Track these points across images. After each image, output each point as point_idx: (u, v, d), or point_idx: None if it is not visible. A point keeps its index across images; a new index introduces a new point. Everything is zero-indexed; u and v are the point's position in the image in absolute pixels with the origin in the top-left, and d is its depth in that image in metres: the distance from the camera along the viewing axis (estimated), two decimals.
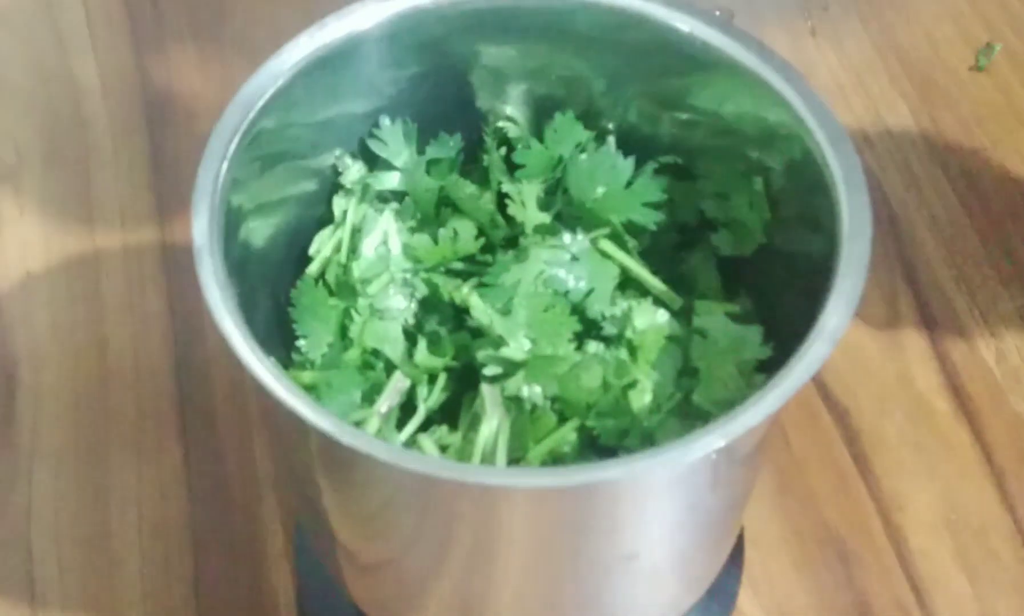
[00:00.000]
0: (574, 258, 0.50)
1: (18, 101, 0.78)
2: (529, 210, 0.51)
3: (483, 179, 0.53)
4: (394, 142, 0.52)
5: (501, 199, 0.52)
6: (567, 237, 0.51)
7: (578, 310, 0.49)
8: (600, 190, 0.51)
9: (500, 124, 0.53)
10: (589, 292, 0.50)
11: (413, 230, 0.52)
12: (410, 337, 0.50)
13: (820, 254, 0.45)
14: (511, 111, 0.53)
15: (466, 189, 0.52)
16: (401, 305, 0.50)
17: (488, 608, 0.48)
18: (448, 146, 0.53)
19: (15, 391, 0.66)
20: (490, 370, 0.47)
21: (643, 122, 0.52)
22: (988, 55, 0.80)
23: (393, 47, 0.50)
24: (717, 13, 0.49)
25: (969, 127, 0.77)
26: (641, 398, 0.47)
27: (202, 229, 0.44)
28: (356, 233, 0.52)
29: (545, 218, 0.51)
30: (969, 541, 0.62)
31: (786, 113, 0.47)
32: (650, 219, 0.52)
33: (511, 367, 0.47)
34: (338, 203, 0.52)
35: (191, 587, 0.60)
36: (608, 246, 0.51)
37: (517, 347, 0.47)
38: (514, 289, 0.49)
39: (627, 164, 0.52)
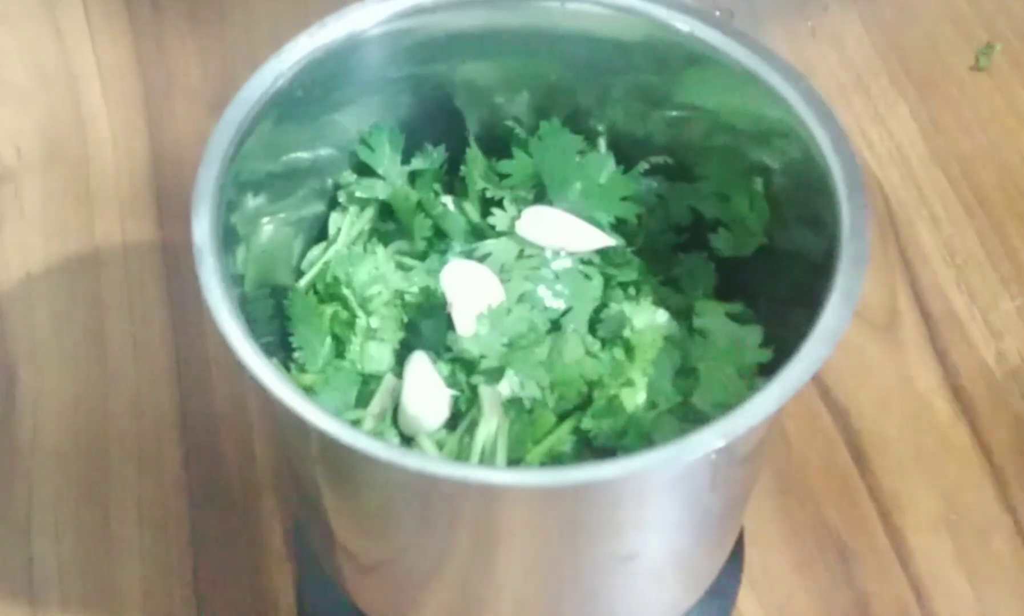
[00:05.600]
0: (556, 277, 0.50)
1: (18, 101, 0.78)
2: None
3: (464, 190, 0.53)
4: (380, 150, 0.52)
5: (487, 206, 0.52)
6: (549, 254, 0.51)
7: (554, 327, 0.50)
8: (577, 187, 0.52)
9: (508, 123, 0.53)
10: (567, 311, 0.50)
11: (404, 253, 0.52)
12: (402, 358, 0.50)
13: (820, 254, 0.45)
14: (517, 111, 0.53)
15: (437, 206, 0.52)
16: (393, 329, 0.50)
17: (488, 608, 0.48)
18: (432, 158, 0.53)
19: (15, 391, 0.66)
20: (484, 386, 0.48)
21: (640, 124, 0.52)
22: (988, 55, 0.80)
23: (392, 48, 0.50)
24: (717, 13, 0.49)
25: (969, 127, 0.77)
26: (634, 398, 0.47)
27: (202, 229, 0.44)
28: (350, 252, 0.52)
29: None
30: (969, 541, 0.62)
31: (786, 113, 0.47)
32: (631, 213, 0.52)
33: (498, 372, 0.47)
34: (334, 219, 0.52)
35: (191, 587, 0.60)
36: (596, 261, 0.51)
37: (495, 354, 0.47)
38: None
39: (602, 160, 0.52)
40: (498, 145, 0.53)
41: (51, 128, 0.76)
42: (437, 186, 0.53)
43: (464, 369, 0.48)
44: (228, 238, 0.45)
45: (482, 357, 0.48)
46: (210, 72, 0.78)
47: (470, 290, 0.49)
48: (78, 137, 0.76)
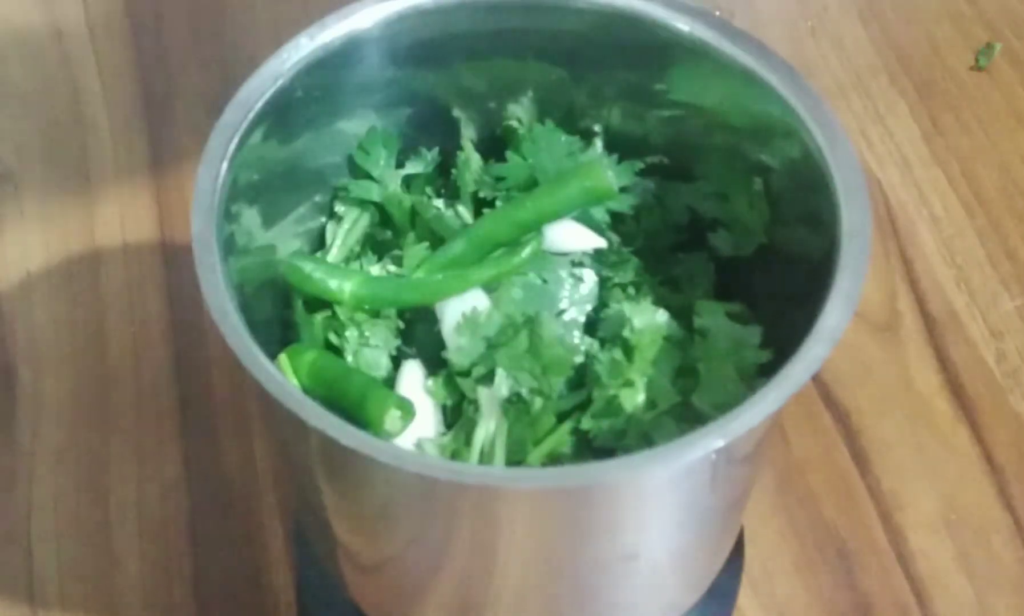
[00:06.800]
0: (551, 277, 0.50)
1: (18, 101, 0.78)
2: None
3: (456, 192, 0.53)
4: (375, 153, 0.52)
5: (480, 207, 0.52)
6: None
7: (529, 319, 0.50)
8: None
9: (510, 123, 0.53)
10: (561, 312, 0.50)
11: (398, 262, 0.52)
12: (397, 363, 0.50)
13: (820, 254, 0.45)
14: (515, 111, 0.53)
15: (431, 209, 0.52)
16: (387, 335, 0.50)
17: (488, 608, 0.48)
18: (426, 161, 0.53)
19: (15, 391, 0.66)
20: (481, 387, 0.48)
21: (638, 123, 0.52)
22: (988, 55, 0.80)
23: (392, 48, 0.50)
24: (717, 13, 0.49)
25: (969, 127, 0.77)
26: (634, 398, 0.47)
27: (202, 229, 0.44)
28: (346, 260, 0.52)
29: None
30: (969, 541, 0.62)
31: (786, 113, 0.47)
32: (626, 205, 0.52)
33: (490, 375, 0.47)
34: (330, 229, 0.52)
35: (191, 587, 0.60)
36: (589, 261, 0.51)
37: (483, 358, 0.48)
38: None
39: (596, 156, 0.52)
40: (495, 146, 0.53)
41: (51, 128, 0.76)
42: (430, 189, 0.53)
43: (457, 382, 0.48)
44: (228, 239, 0.45)
45: (473, 366, 0.48)
46: (210, 72, 0.79)
47: (460, 307, 0.49)
48: (78, 137, 0.76)
